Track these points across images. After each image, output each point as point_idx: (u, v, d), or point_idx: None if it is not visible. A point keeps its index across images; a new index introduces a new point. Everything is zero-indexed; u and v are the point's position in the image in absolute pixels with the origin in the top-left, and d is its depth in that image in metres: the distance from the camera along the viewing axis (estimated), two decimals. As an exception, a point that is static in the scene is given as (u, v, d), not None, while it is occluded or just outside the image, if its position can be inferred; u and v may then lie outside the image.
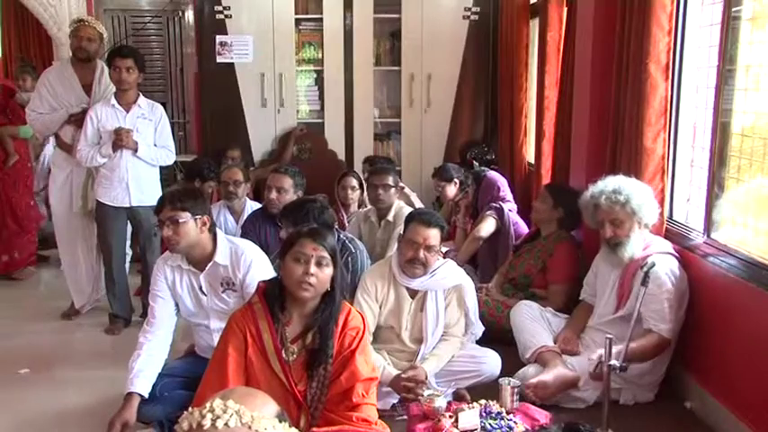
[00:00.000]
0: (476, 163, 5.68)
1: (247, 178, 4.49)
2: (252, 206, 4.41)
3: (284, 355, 2.38)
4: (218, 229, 2.96)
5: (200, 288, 2.92)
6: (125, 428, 2.68)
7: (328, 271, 2.38)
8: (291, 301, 2.41)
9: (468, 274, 3.37)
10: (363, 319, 2.49)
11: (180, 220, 2.78)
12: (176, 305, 2.98)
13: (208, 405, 1.29)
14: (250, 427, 1.27)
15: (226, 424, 1.26)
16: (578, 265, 3.75)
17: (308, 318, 2.42)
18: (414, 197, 5.10)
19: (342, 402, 2.39)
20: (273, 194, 3.80)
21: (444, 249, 4.39)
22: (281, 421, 1.34)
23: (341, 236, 3.52)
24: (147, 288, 4.17)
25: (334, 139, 6.08)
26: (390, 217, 4.10)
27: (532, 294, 3.79)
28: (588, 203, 3.13)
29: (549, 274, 3.77)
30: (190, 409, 1.30)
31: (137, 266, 4.53)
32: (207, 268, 2.89)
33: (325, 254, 2.37)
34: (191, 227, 2.80)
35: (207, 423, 1.26)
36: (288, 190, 3.82)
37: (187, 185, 4.90)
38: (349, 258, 3.44)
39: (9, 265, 5.15)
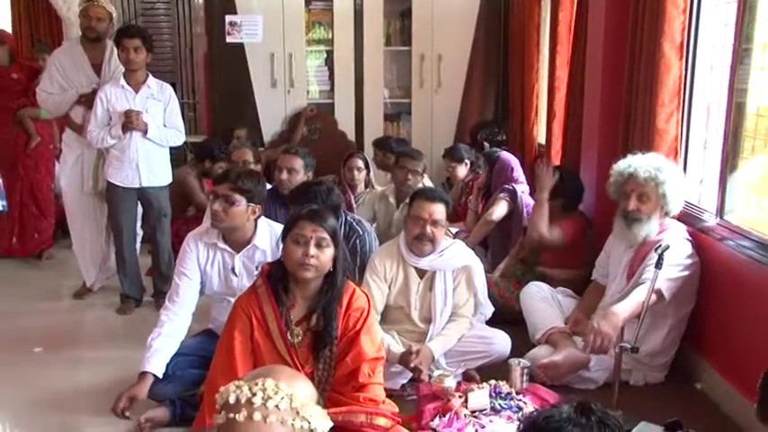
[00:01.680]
0: (486, 144, 5.64)
1: (257, 159, 4.46)
2: (263, 188, 4.40)
3: (289, 338, 2.39)
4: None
5: (233, 269, 2.93)
6: (132, 402, 2.70)
7: (329, 252, 2.38)
8: (294, 284, 2.42)
9: (478, 256, 3.36)
10: (368, 299, 2.50)
11: (234, 202, 2.77)
12: (201, 284, 2.98)
13: (260, 382, 1.28)
14: (298, 413, 1.27)
15: (276, 406, 1.25)
16: (585, 245, 3.75)
17: (312, 299, 2.43)
18: (425, 179, 5.07)
19: (348, 383, 2.41)
20: (284, 175, 3.79)
21: (454, 230, 4.41)
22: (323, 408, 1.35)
23: (348, 218, 3.51)
24: (158, 268, 4.24)
25: (344, 120, 6.05)
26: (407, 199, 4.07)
27: (542, 275, 3.77)
28: (623, 170, 3.06)
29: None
30: (236, 381, 1.29)
31: (147, 247, 4.54)
32: (245, 250, 2.90)
33: (325, 235, 2.37)
34: (241, 211, 2.81)
35: (258, 401, 1.25)
36: (298, 171, 3.81)
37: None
38: (357, 240, 3.43)
39: (22, 247, 5.17)
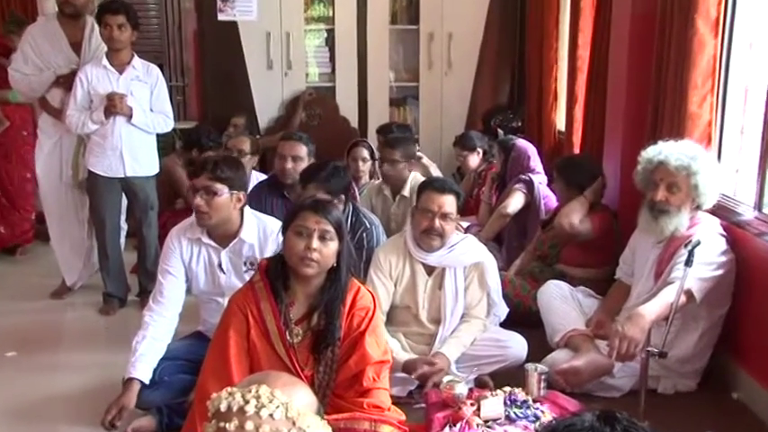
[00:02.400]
0: (500, 130, 5.63)
1: (255, 150, 4.47)
2: (258, 178, 4.40)
3: (288, 338, 2.39)
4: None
5: (220, 265, 2.92)
6: (122, 413, 2.70)
7: (333, 246, 2.38)
8: (295, 279, 2.42)
9: (491, 252, 3.35)
10: (374, 298, 2.50)
11: (216, 192, 2.76)
12: (186, 283, 2.98)
13: (253, 389, 1.27)
14: (294, 423, 1.26)
15: (271, 415, 1.25)
16: (611, 241, 3.72)
17: (313, 297, 2.43)
18: (433, 168, 5.07)
19: (351, 387, 2.41)
20: (289, 164, 3.78)
21: (465, 224, 4.39)
22: (322, 418, 1.34)
23: (355, 208, 3.52)
24: (143, 265, 4.23)
25: (346, 105, 6.04)
26: (406, 191, 4.08)
27: (561, 273, 3.76)
28: (652, 158, 3.02)
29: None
30: (229, 388, 1.29)
31: (132, 242, 4.54)
32: (231, 245, 2.89)
33: (329, 227, 2.37)
34: (225, 202, 2.80)
35: (250, 410, 1.25)
36: (303, 158, 3.81)
37: (222, 154, 4.86)
38: (363, 234, 3.43)
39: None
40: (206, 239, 2.91)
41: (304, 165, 3.77)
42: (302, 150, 3.82)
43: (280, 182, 3.88)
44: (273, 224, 2.94)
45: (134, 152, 4.05)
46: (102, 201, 4.12)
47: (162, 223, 4.44)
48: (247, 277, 2.87)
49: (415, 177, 4.12)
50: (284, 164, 3.80)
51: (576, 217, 3.68)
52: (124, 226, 4.48)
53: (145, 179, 4.13)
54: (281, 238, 2.83)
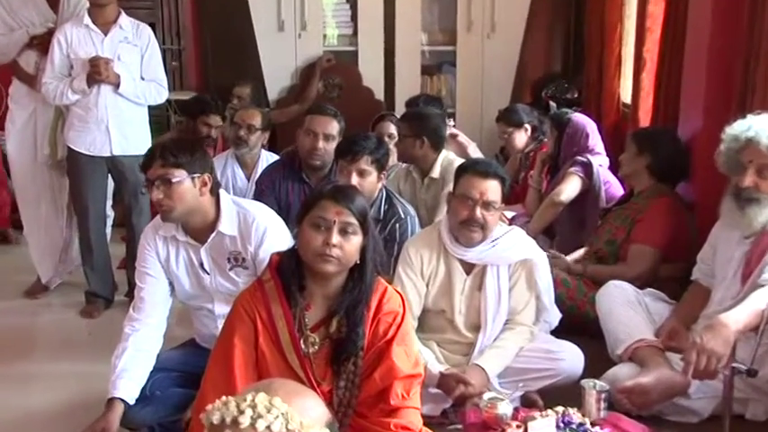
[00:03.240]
0: (553, 103, 5.60)
1: (267, 125, 4.50)
2: (268, 158, 4.42)
3: (303, 347, 2.39)
4: (221, 191, 2.94)
5: (202, 265, 2.92)
6: (102, 437, 2.70)
7: (356, 240, 2.37)
8: (311, 279, 2.41)
9: (541, 247, 3.33)
10: (403, 301, 2.49)
11: (173, 180, 2.75)
12: (171, 285, 2.98)
13: (249, 397, 1.29)
14: None
15: (268, 427, 1.26)
16: (683, 231, 3.69)
17: (333, 299, 2.42)
18: (472, 148, 5.04)
19: (376, 405, 2.40)
20: (321, 143, 3.81)
21: (511, 214, 4.36)
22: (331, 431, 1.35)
23: (389, 194, 3.54)
24: (133, 259, 4.22)
25: (371, 73, 6.04)
26: (435, 173, 4.08)
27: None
28: (739, 135, 2.96)
29: (633, 233, 3.71)
30: (224, 397, 1.30)
31: (120, 232, 4.56)
32: (209, 240, 2.89)
33: (352, 219, 2.36)
34: (187, 188, 2.78)
35: (245, 421, 1.26)
36: (335, 138, 3.83)
37: (183, 134, 4.91)
38: (396, 225, 3.44)
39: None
40: (182, 236, 2.90)
41: (335, 145, 3.79)
42: (335, 128, 3.85)
43: (299, 163, 3.89)
44: (256, 211, 2.94)
45: (122, 127, 4.06)
46: (85, 184, 4.14)
47: (155, 211, 4.45)
48: (233, 275, 2.90)
49: (446, 157, 4.10)
50: (315, 142, 3.81)
51: None
52: (110, 213, 4.50)
53: (134, 159, 4.09)
54: (277, 234, 2.86)
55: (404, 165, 4.37)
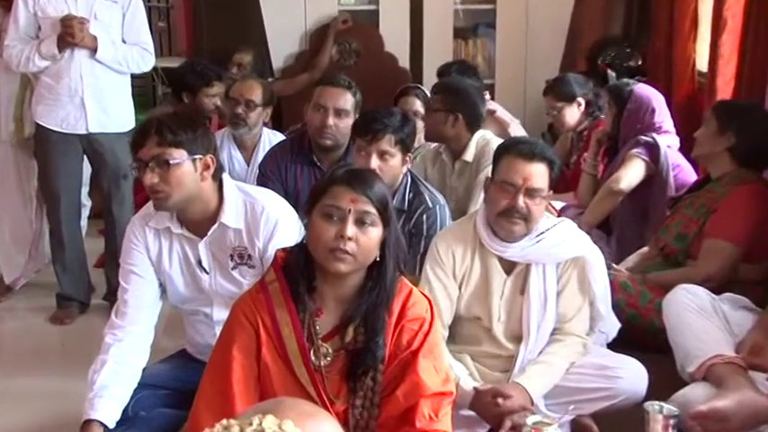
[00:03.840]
0: (611, 73, 5.57)
1: (269, 100, 4.46)
2: (271, 138, 4.42)
3: (313, 359, 2.40)
4: (225, 176, 2.94)
5: (200, 262, 2.93)
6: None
7: (374, 232, 2.36)
8: (323, 279, 2.42)
9: (596, 243, 3.29)
10: (431, 306, 2.50)
11: (171, 162, 2.75)
12: (161, 286, 2.99)
13: (255, 421, 1.28)
14: None
15: None
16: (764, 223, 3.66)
17: (348, 303, 2.43)
18: (514, 126, 5.03)
19: (400, 428, 2.40)
20: (332, 119, 3.80)
21: (560, 204, 4.34)
22: None
23: (414, 180, 3.54)
24: (113, 257, 4.25)
25: (394, 37, 6.07)
26: (469, 155, 4.06)
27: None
28: None
29: (708, 225, 3.67)
30: (226, 420, 1.30)
31: (98, 224, 4.59)
32: (210, 233, 2.89)
33: (370, 207, 2.35)
34: (187, 171, 2.78)
35: None
36: (349, 113, 3.83)
37: (180, 107, 4.91)
38: (423, 216, 3.44)
39: None
40: (177, 228, 2.90)
41: (349, 122, 3.79)
42: (349, 101, 3.84)
43: (308, 143, 3.90)
44: (266, 199, 2.94)
45: (100, 99, 4.09)
46: (56, 167, 4.17)
47: (140, 200, 4.46)
48: (238, 276, 2.91)
49: (482, 137, 4.09)
50: (325, 118, 3.80)
51: None
52: (87, 203, 4.53)
53: (115, 137, 4.16)
54: (290, 228, 2.86)
55: (432, 145, 4.36)
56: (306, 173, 3.84)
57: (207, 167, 2.82)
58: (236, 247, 2.90)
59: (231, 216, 2.88)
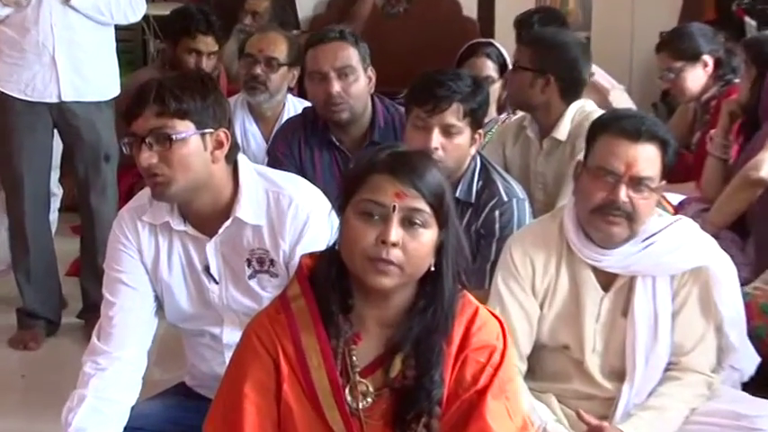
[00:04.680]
0: (751, 21, 5.56)
1: (296, 59, 4.41)
2: (296, 109, 4.42)
3: (349, 399, 2.38)
4: (241, 157, 2.94)
5: (207, 269, 2.94)
6: None
7: (428, 236, 2.34)
8: (361, 295, 2.39)
9: (726, 249, 3.28)
10: (504, 331, 2.47)
11: (175, 137, 2.77)
12: (157, 299, 2.99)
13: None
14: None
15: None
16: None
17: (395, 326, 2.40)
18: (616, 93, 5.04)
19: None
20: (336, 85, 3.80)
21: (677, 198, 4.32)
22: None
23: (484, 165, 3.54)
24: (91, 262, 4.29)
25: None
26: (562, 132, 4.00)
27: None
28: None
29: None
30: None
31: (71, 220, 4.63)
32: (221, 231, 2.88)
33: (422, 204, 2.32)
34: (194, 151, 2.79)
35: None
36: (356, 70, 3.83)
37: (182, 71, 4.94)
38: (495, 213, 3.44)
39: None
40: (179, 225, 2.89)
41: (360, 83, 3.81)
42: (351, 55, 3.85)
43: (323, 119, 3.91)
44: (294, 188, 2.93)
45: (75, 59, 4.14)
46: (19, 144, 4.23)
47: (126, 189, 4.51)
48: (256, 287, 2.90)
49: (581, 109, 4.07)
50: (328, 87, 3.79)
51: None
52: (57, 191, 4.58)
53: (95, 108, 4.22)
54: (324, 226, 2.83)
55: (513, 117, 4.35)
56: (326, 157, 3.85)
57: (220, 145, 2.80)
58: (254, 250, 2.89)
59: (249, 209, 2.87)
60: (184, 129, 2.74)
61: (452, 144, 3.36)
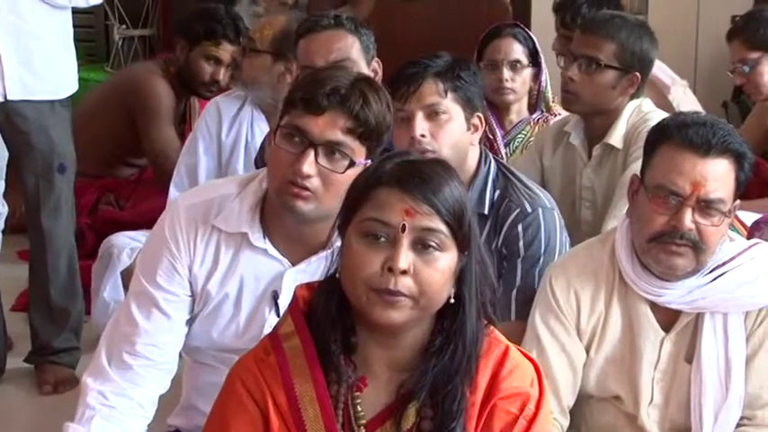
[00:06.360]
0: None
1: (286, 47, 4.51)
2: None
3: (352, 459, 2.41)
4: None
5: (276, 297, 2.94)
6: None
7: (445, 261, 2.34)
8: (366, 332, 2.41)
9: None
10: (539, 376, 2.48)
11: (348, 162, 2.78)
12: (188, 322, 2.97)
13: None
14: None
15: None
16: None
17: (407, 370, 2.42)
18: (677, 90, 5.06)
19: None
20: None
21: (752, 217, 4.33)
22: None
23: (502, 169, 3.54)
24: (42, 294, 4.30)
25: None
26: (616, 137, 4.06)
27: None
28: None
29: None
30: None
31: (18, 243, 4.67)
32: (312, 259, 2.90)
33: (437, 222, 2.32)
34: (348, 181, 2.64)
35: None
36: (357, 61, 3.92)
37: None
38: (518, 227, 3.43)
39: None
40: (258, 239, 2.91)
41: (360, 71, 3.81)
42: (350, 45, 3.96)
43: None
44: None
45: (24, 50, 4.18)
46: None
47: (87, 204, 4.56)
48: None
49: (638, 108, 4.09)
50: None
51: None
52: (2, 209, 4.61)
53: (48, 108, 4.25)
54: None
55: (554, 122, 4.37)
56: None
57: None
58: None
59: None
60: (360, 158, 2.78)
61: (442, 129, 3.36)
